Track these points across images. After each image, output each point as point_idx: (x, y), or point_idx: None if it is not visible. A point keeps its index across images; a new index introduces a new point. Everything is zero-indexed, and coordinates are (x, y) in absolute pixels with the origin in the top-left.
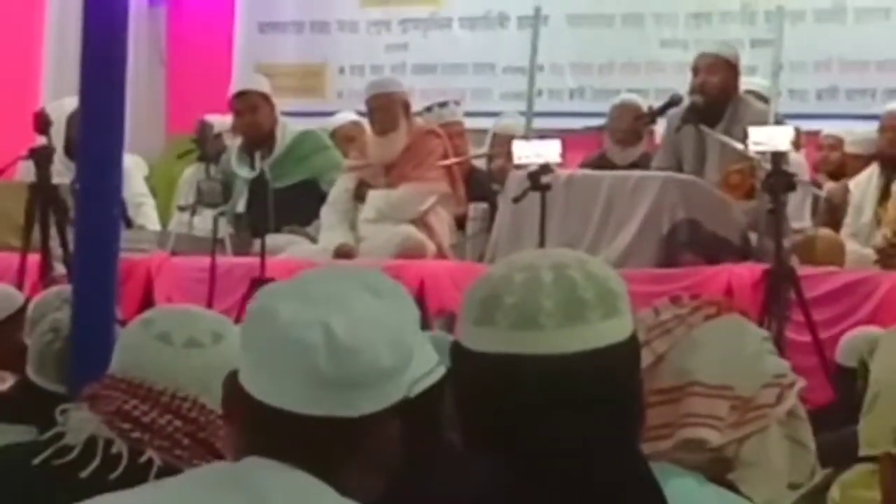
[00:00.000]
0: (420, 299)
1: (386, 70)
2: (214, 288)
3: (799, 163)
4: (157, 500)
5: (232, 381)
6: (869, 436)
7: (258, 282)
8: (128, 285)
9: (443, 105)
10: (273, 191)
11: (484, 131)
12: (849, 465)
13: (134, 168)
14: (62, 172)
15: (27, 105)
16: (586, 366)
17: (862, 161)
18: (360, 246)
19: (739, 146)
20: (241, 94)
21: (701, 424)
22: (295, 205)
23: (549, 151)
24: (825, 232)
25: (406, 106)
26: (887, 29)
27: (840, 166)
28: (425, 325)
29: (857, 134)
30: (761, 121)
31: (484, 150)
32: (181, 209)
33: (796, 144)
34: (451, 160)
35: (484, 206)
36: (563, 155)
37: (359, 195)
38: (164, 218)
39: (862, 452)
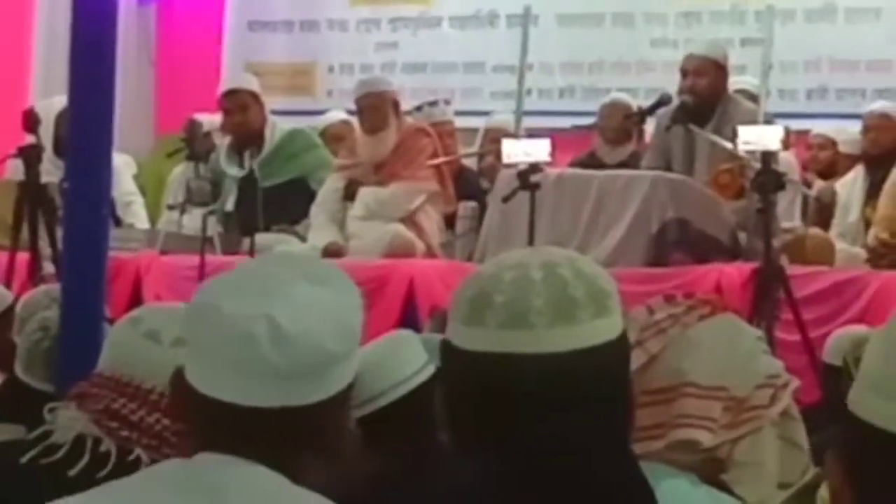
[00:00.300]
0: (409, 298)
1: (376, 69)
2: None
3: (788, 162)
4: (113, 501)
5: (179, 379)
6: None
7: None
8: (116, 284)
9: (433, 104)
10: (262, 189)
11: (474, 130)
12: None
13: (123, 167)
14: (51, 171)
15: (16, 103)
16: (577, 365)
17: (854, 161)
18: (349, 244)
19: (729, 145)
20: (231, 93)
21: (694, 425)
22: (284, 203)
23: (538, 150)
24: (815, 231)
25: (396, 105)
26: (877, 29)
27: (830, 166)
28: (415, 324)
29: (850, 134)
30: (751, 120)
31: (474, 149)
32: (170, 208)
33: (786, 144)
34: (441, 159)
35: (473, 204)
36: (552, 154)
37: (348, 194)
38: (154, 217)
39: None
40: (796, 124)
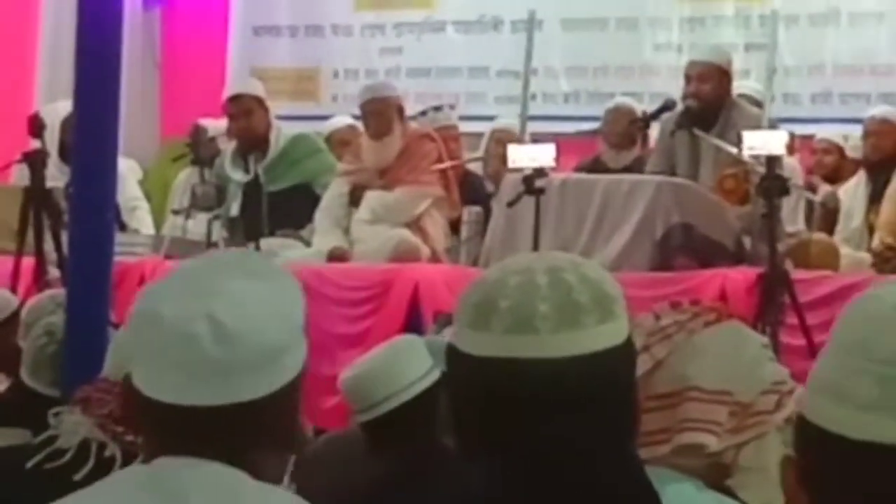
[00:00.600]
0: (414, 303)
1: (380, 74)
2: None
3: (793, 167)
4: None
5: (128, 385)
6: None
7: None
8: (121, 289)
9: (437, 109)
10: (267, 194)
11: (479, 135)
12: None
13: (128, 172)
14: (56, 176)
15: (21, 108)
16: (582, 370)
17: (861, 166)
18: (354, 249)
19: (733, 150)
20: (236, 98)
21: (699, 430)
22: (289, 208)
23: (543, 155)
24: (819, 236)
25: (400, 110)
26: (881, 33)
27: (836, 170)
28: (420, 328)
29: (857, 139)
30: (755, 125)
31: (479, 153)
32: (175, 213)
33: (790, 149)
34: (446, 164)
35: (478, 209)
36: (557, 159)
37: (353, 199)
38: (158, 222)
39: None
40: (800, 129)
